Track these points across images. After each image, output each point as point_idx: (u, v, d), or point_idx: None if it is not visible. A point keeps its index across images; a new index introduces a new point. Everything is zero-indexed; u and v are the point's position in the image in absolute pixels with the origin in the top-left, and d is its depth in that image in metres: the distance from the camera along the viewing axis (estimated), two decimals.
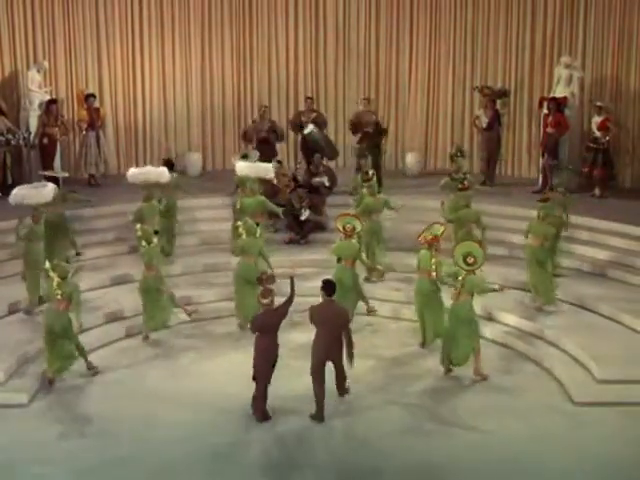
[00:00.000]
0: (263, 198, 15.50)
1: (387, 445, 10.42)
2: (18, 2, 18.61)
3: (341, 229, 13.48)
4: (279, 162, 17.72)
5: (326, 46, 20.42)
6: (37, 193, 14.34)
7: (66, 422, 10.92)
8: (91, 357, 12.27)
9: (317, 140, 17.78)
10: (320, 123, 18.14)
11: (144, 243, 13.11)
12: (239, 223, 13.80)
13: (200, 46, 20.02)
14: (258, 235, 13.57)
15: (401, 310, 14.02)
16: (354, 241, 13.46)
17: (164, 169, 15.80)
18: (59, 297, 11.64)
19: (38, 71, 18.30)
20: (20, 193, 14.29)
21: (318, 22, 20.33)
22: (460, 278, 11.73)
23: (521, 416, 11.04)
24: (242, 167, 16.13)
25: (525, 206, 16.36)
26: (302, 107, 18.92)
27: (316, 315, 10.88)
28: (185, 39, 19.92)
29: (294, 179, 17.40)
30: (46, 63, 18.56)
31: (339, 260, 13.41)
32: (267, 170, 16.12)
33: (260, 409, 10.84)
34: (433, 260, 12.40)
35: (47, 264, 11.98)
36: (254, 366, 10.79)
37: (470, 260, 11.70)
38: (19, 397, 11.28)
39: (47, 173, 17.23)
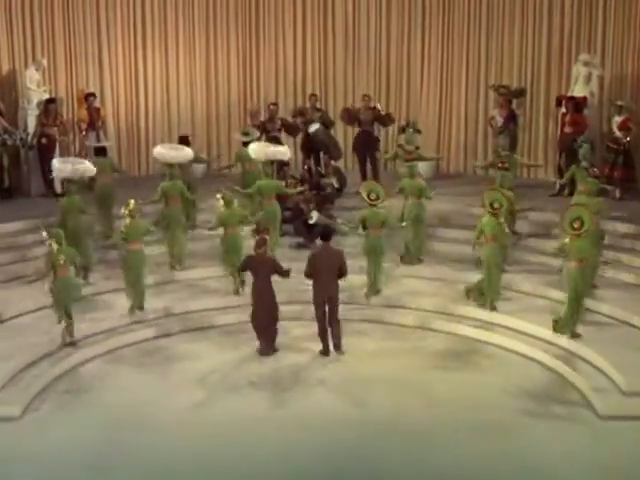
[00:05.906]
0: (278, 182, 15.57)
1: (390, 449, 10.13)
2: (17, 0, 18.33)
3: (366, 197, 13.94)
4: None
5: (335, 44, 20.03)
6: (85, 167, 14.76)
7: (60, 435, 10.66)
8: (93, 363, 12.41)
9: (323, 139, 17.49)
10: (327, 122, 17.92)
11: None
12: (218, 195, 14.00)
13: (205, 43, 19.68)
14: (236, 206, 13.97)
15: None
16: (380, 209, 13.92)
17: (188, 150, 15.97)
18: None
19: (37, 69, 18.03)
20: (72, 168, 14.58)
21: (327, 19, 19.94)
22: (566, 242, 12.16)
23: (542, 430, 10.62)
24: (258, 151, 15.83)
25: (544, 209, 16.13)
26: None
27: (316, 260, 12.28)
28: (189, 36, 19.60)
29: (301, 181, 16.92)
30: (44, 61, 18.29)
31: (364, 228, 13.89)
32: (284, 154, 16.00)
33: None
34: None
35: (123, 209, 13.26)
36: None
37: (577, 224, 11.99)
38: (11, 410, 10.99)
39: (95, 144, 17.31)
